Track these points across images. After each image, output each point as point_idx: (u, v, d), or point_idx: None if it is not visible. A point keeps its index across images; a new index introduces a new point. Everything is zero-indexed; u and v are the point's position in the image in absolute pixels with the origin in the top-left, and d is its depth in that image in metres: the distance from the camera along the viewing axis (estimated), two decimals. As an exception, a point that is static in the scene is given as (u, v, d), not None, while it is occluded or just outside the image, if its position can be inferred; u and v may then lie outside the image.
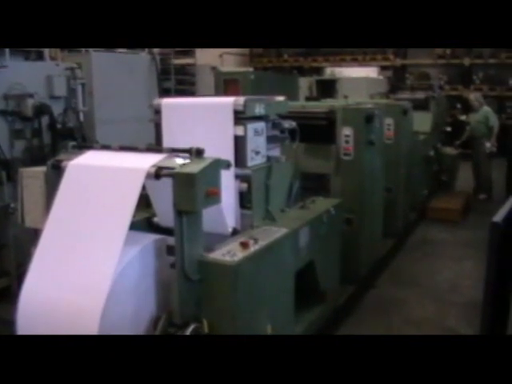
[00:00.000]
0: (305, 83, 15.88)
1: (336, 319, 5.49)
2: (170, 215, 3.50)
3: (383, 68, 19.02)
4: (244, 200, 4.36)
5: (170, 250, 3.63)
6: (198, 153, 3.56)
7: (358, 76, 16.69)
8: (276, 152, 4.75)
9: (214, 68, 15.44)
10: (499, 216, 2.12)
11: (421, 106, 9.96)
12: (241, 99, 4.21)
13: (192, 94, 15.05)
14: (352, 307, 5.98)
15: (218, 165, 3.55)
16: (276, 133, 4.70)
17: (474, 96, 11.66)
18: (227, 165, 3.71)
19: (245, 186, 4.29)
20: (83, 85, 7.43)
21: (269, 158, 4.55)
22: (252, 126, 4.31)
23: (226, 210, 4.05)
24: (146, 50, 9.67)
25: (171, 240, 3.59)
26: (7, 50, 6.53)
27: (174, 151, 3.69)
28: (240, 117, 4.22)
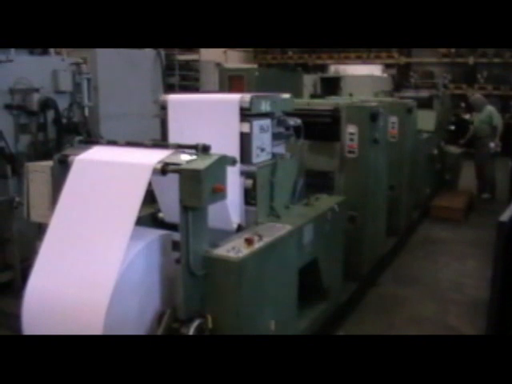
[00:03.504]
0: (309, 80, 15.88)
1: (338, 316, 5.51)
2: (175, 211, 3.51)
3: (387, 66, 19.01)
4: (249, 196, 4.37)
5: (175, 245, 3.64)
6: (204, 149, 3.57)
7: (363, 74, 16.69)
8: (281, 149, 4.77)
9: (218, 64, 15.46)
10: (506, 215, 2.13)
11: (425, 104, 9.95)
12: (247, 96, 4.23)
13: (196, 89, 15.07)
14: (354, 305, 6.00)
15: (224, 161, 3.57)
16: (281, 130, 4.71)
17: (472, 99, 11.68)
18: (233, 161, 3.72)
19: (250, 182, 4.30)
20: (88, 80, 7.43)
21: (274, 155, 4.56)
22: (258, 123, 4.33)
23: (230, 206, 4.07)
24: (151, 45, 9.69)
25: (176, 236, 3.61)
26: (12, 45, 6.55)
27: (180, 147, 3.70)
28: (246, 114, 4.23)
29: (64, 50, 8.25)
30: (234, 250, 3.68)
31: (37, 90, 6.50)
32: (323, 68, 19.59)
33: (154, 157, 3.54)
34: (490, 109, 11.18)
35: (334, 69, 18.88)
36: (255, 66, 17.74)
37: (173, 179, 3.47)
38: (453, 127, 11.58)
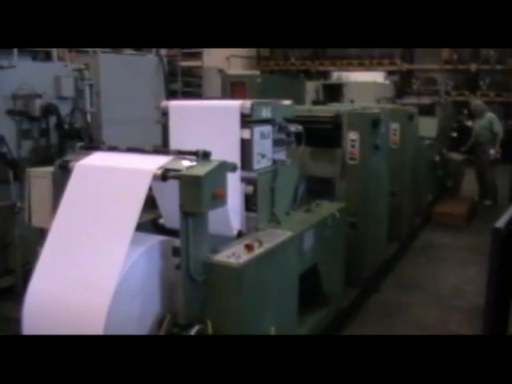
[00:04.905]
0: (311, 87, 15.90)
1: (339, 322, 5.50)
2: (175, 217, 3.52)
3: (390, 73, 19.03)
4: (249, 202, 4.38)
5: (176, 251, 3.65)
6: (204, 155, 3.58)
7: (365, 80, 16.69)
8: (282, 155, 4.78)
9: (221, 70, 15.47)
10: (501, 222, 2.14)
11: (427, 111, 9.96)
12: (248, 102, 4.24)
13: (199, 96, 15.09)
14: (355, 311, 6.00)
15: (225, 167, 3.58)
16: (282, 136, 4.72)
17: (474, 104, 11.68)
18: (233, 167, 3.73)
19: (250, 188, 4.31)
20: (91, 86, 7.47)
21: (275, 162, 4.57)
22: (258, 130, 4.34)
23: (231, 212, 4.07)
24: (154, 51, 9.71)
25: (177, 241, 3.61)
26: (15, 50, 6.57)
27: (181, 153, 3.71)
28: (247, 120, 4.24)
29: (67, 56, 8.30)
30: (234, 255, 3.69)
31: (39, 96, 6.53)
32: (326, 75, 19.61)
33: (154, 162, 3.55)
34: (490, 115, 11.19)
35: (337, 75, 18.90)
36: (258, 72, 17.76)
37: (173, 185, 3.48)
38: (455, 134, 11.57)
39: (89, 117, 7.48)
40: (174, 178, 3.46)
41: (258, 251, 3.81)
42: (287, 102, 4.82)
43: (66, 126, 6.91)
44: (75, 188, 3.67)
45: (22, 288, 3.60)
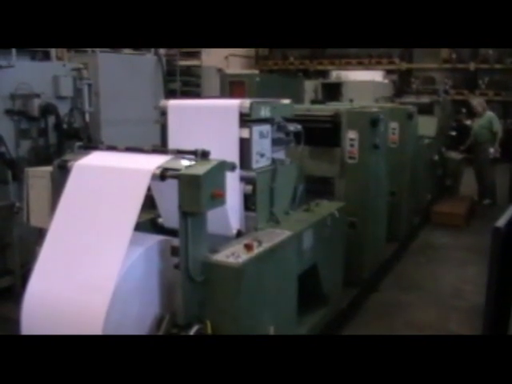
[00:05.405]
0: (310, 86, 15.90)
1: (339, 322, 5.50)
2: (174, 216, 3.51)
3: (389, 72, 19.02)
4: (248, 202, 4.37)
5: (175, 250, 3.64)
6: (203, 154, 3.57)
7: (364, 79, 16.67)
8: (281, 155, 4.77)
9: (219, 70, 15.46)
10: (501, 221, 2.14)
11: (426, 110, 9.95)
12: (247, 102, 4.23)
13: (197, 95, 15.06)
14: (355, 310, 5.99)
15: (223, 167, 3.57)
16: (281, 135, 4.71)
17: (476, 101, 11.65)
18: (232, 167, 3.72)
19: (249, 188, 4.30)
20: (89, 85, 7.45)
21: (274, 161, 4.56)
22: (257, 129, 4.33)
23: (230, 211, 4.07)
24: (152, 51, 9.69)
25: (176, 241, 3.60)
26: (14, 50, 6.56)
27: (180, 153, 3.70)
28: (246, 119, 4.23)
29: (65, 56, 8.28)
30: (233, 255, 3.68)
31: (38, 96, 6.51)
32: (324, 74, 19.59)
33: (153, 162, 3.54)
34: (490, 114, 11.18)
35: (336, 75, 18.87)
36: (256, 71, 17.75)
37: (172, 185, 3.47)
38: (454, 133, 11.56)
39: (87, 116, 7.47)
40: (173, 177, 3.45)
41: (257, 251, 3.80)
42: (286, 102, 4.82)
43: (65, 126, 6.90)
44: (74, 188, 3.66)
45: (21, 288, 3.59)
